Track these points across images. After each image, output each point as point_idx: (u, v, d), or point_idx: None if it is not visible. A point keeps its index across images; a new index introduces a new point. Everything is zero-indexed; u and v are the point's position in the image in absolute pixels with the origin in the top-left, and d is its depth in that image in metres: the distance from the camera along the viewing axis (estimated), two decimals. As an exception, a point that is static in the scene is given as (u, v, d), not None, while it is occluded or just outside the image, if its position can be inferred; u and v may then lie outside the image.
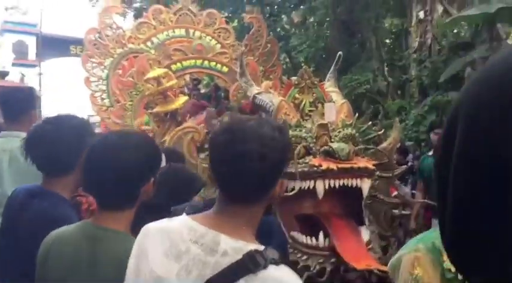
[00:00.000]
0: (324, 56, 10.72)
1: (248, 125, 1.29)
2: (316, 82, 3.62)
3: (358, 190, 3.21)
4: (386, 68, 10.43)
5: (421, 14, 9.70)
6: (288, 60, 11.87)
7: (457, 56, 9.50)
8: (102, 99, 6.57)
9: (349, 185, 3.15)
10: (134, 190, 1.59)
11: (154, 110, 5.40)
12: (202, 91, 7.34)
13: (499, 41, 8.91)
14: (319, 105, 3.57)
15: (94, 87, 6.61)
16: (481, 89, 0.56)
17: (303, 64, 11.58)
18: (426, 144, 8.90)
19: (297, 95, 3.61)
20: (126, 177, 1.55)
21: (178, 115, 5.34)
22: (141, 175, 1.60)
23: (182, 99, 5.42)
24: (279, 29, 11.30)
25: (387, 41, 11.12)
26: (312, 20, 11.39)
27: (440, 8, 9.55)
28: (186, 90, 7.11)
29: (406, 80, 10.44)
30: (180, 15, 6.94)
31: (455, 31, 9.97)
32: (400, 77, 10.72)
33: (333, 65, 4.15)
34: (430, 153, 5.30)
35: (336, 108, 3.47)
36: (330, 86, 3.90)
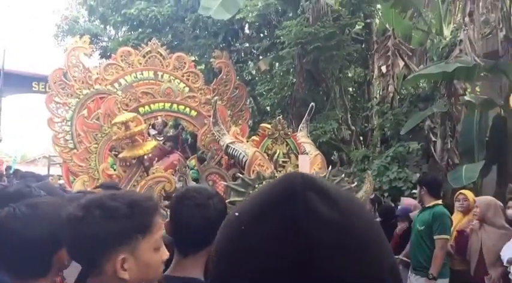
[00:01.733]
0: (289, 102, 10.82)
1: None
2: (289, 133, 3.60)
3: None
4: (349, 117, 10.60)
5: (384, 68, 9.98)
6: (253, 106, 11.93)
7: (417, 108, 9.76)
8: (66, 140, 6.36)
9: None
10: (45, 260, 1.58)
11: (121, 155, 5.25)
12: (169, 134, 7.24)
13: (457, 96, 9.23)
14: (292, 156, 3.54)
15: (57, 128, 6.41)
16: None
17: (268, 110, 11.68)
18: (389, 195, 8.98)
19: (270, 145, 3.57)
20: (34, 248, 1.54)
21: (145, 160, 5.20)
22: (48, 245, 1.57)
23: (150, 144, 5.29)
24: (245, 75, 11.39)
25: (350, 89, 11.36)
26: (278, 68, 11.55)
27: (401, 63, 9.86)
28: (151, 132, 7.00)
29: (369, 129, 10.61)
30: (149, 58, 6.90)
31: (416, 86, 10.30)
32: (363, 126, 10.90)
33: (306, 116, 4.16)
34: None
35: (309, 160, 3.43)
36: (302, 136, 3.89)
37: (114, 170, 5.62)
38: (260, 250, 0.59)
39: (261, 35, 11.95)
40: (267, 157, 3.48)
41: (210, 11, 9.36)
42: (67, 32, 15.57)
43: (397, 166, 9.54)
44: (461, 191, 6.40)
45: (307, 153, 3.53)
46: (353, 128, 10.72)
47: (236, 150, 3.62)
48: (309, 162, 3.40)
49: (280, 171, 3.39)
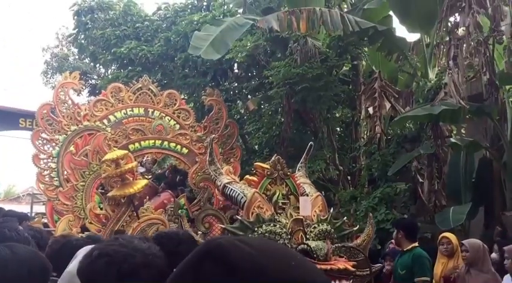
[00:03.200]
0: (277, 142, 10.68)
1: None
2: (288, 173, 3.40)
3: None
4: (337, 157, 10.47)
5: (370, 110, 9.94)
6: (242, 144, 11.77)
7: (404, 149, 9.68)
8: (51, 177, 6.05)
9: (326, 288, 2.84)
10: None
11: (111, 194, 4.96)
12: (159, 171, 6.99)
13: (443, 138, 9.19)
14: (292, 197, 3.33)
15: (43, 165, 6.11)
16: None
17: (257, 149, 11.51)
18: (376, 237, 8.76)
19: (268, 186, 3.36)
20: None
21: (135, 199, 4.92)
22: None
23: (141, 182, 5.03)
24: (234, 114, 11.27)
25: (338, 129, 11.29)
26: (266, 107, 11.48)
27: (387, 105, 9.84)
28: (140, 169, 6.74)
29: (357, 170, 10.48)
30: (140, 94, 6.72)
31: (403, 127, 10.27)
32: (350, 166, 10.76)
33: (304, 155, 3.97)
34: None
35: (310, 201, 3.23)
36: (301, 176, 3.69)
37: (101, 209, 5.32)
38: None
39: (250, 74, 11.91)
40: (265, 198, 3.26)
41: (200, 51, 9.29)
42: (56, 69, 15.41)
43: (384, 207, 9.38)
44: (444, 234, 6.26)
45: (307, 195, 3.33)
46: (341, 168, 10.58)
47: (234, 190, 3.39)
48: (310, 203, 3.20)
49: (280, 214, 3.17)
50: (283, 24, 8.64)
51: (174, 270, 0.67)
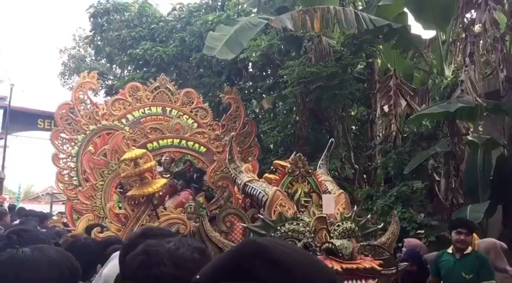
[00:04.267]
0: (292, 141, 10.56)
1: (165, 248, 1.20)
2: (310, 170, 3.30)
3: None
4: (353, 155, 10.33)
5: (386, 108, 9.80)
6: (257, 143, 11.71)
7: (420, 147, 9.52)
8: (70, 177, 6.02)
9: (353, 288, 2.74)
10: None
11: (130, 193, 4.89)
12: (176, 170, 6.93)
13: (460, 135, 9.02)
14: (314, 195, 3.24)
15: (62, 164, 6.08)
16: None
17: (272, 148, 11.41)
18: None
19: (289, 184, 3.27)
20: None
21: (154, 198, 4.86)
22: None
23: (161, 181, 4.95)
24: (249, 113, 11.18)
25: (353, 128, 11.14)
26: (281, 106, 11.37)
27: (403, 103, 9.69)
28: (157, 169, 6.68)
29: (373, 168, 10.33)
30: (158, 93, 6.66)
31: (419, 125, 10.10)
32: (366, 165, 10.62)
33: (325, 152, 3.87)
34: (449, 250, 4.74)
35: (333, 199, 3.14)
36: (322, 173, 3.59)
37: (120, 208, 5.27)
38: None
39: (264, 74, 11.83)
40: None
41: (214, 51, 9.22)
42: (73, 71, 15.47)
43: (401, 206, 9.23)
44: None
45: (329, 192, 3.24)
46: (356, 166, 10.43)
47: (255, 188, 3.30)
48: (334, 201, 3.11)
49: (302, 212, 3.08)
50: (297, 23, 8.54)
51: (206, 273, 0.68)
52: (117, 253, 1.73)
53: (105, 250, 2.48)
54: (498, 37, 7.76)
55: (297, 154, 3.60)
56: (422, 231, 8.12)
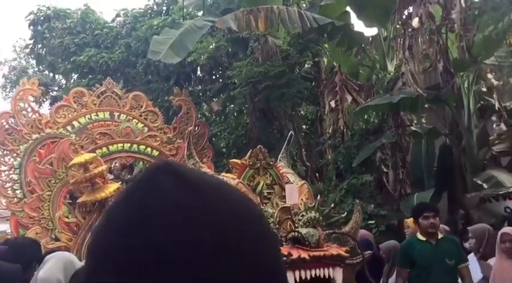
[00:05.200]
0: (244, 142, 10.42)
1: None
2: (271, 162, 3.15)
3: (326, 281, 2.66)
4: (304, 153, 10.30)
5: (333, 103, 9.86)
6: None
7: (367, 141, 9.63)
8: (14, 190, 5.54)
9: (321, 276, 2.61)
10: None
11: (80, 200, 4.54)
12: (128, 176, 6.58)
13: (404, 127, 9.19)
14: (276, 186, 3.09)
15: (4, 177, 5.60)
16: None
17: (224, 151, 11.21)
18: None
19: (251, 176, 3.10)
20: None
21: (107, 204, 4.54)
22: None
23: (113, 186, 4.62)
24: (199, 117, 10.96)
25: (304, 126, 11.13)
26: (231, 108, 11.21)
27: (349, 98, 9.78)
28: (109, 176, 6.33)
29: (324, 164, 10.35)
30: (104, 98, 6.28)
31: (365, 118, 10.23)
32: (317, 162, 10.63)
33: (285, 145, 3.73)
34: (419, 237, 4.47)
35: (297, 189, 3.00)
36: (283, 166, 3.44)
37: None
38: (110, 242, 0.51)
39: (213, 77, 11.63)
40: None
41: (160, 55, 8.94)
42: (15, 83, 14.63)
43: (351, 198, 9.29)
44: (406, 219, 6.15)
45: (291, 183, 3.10)
46: (308, 164, 10.43)
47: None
48: (297, 191, 2.97)
49: (266, 204, 2.92)
50: (242, 23, 8.42)
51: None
52: (53, 254, 1.52)
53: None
54: (434, 29, 7.95)
55: (258, 147, 3.43)
56: (373, 222, 8.19)
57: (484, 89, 8.06)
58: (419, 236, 4.34)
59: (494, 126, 8.40)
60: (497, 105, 7.79)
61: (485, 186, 7.25)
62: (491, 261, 4.51)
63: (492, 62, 7.51)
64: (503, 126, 8.05)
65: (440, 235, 4.33)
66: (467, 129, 8.10)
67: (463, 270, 4.19)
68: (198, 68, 11.53)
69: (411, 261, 4.30)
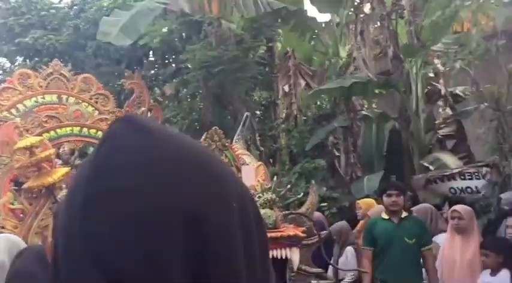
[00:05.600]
0: (198, 127, 10.28)
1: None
2: (227, 144, 3.08)
3: (283, 262, 2.64)
4: (258, 138, 10.28)
5: (286, 88, 9.88)
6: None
7: (320, 125, 9.74)
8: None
9: (278, 257, 2.58)
10: None
11: (26, 185, 4.28)
12: (78, 162, 6.31)
13: (355, 111, 9.34)
14: (232, 168, 3.02)
15: None
16: None
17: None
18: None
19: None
20: None
21: (55, 189, 4.32)
22: None
23: (62, 170, 4.38)
24: (152, 101, 10.67)
25: (257, 112, 11.10)
26: (184, 92, 11.00)
27: (302, 83, 9.83)
28: (57, 162, 6.05)
29: (277, 149, 10.40)
30: (51, 80, 5.93)
31: (318, 104, 10.31)
32: (271, 146, 10.66)
33: (240, 126, 3.67)
34: (383, 215, 4.42)
35: (253, 170, 2.95)
36: (239, 148, 3.38)
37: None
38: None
39: (166, 61, 11.35)
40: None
41: (110, 37, 8.63)
42: (-43, 68, 13.74)
43: (304, 181, 9.42)
44: (358, 201, 6.31)
45: (248, 165, 3.05)
46: (261, 148, 10.44)
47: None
48: (253, 172, 2.92)
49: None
50: (195, 5, 8.24)
51: None
52: None
53: None
54: (385, 15, 8.06)
55: (214, 128, 3.34)
56: (325, 204, 8.33)
57: (432, 75, 8.27)
58: (384, 215, 4.34)
59: (440, 110, 8.65)
60: (443, 91, 8.03)
61: (431, 168, 7.49)
62: (436, 239, 4.66)
63: (439, 48, 7.71)
64: (448, 111, 8.31)
65: (404, 215, 4.29)
66: (415, 113, 8.30)
67: (425, 253, 4.16)
68: (151, 52, 11.22)
69: (373, 240, 4.29)
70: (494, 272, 4.05)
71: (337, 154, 9.65)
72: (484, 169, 6.50)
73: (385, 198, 4.32)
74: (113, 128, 0.54)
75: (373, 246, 4.28)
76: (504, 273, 3.98)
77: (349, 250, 5.11)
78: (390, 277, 4.16)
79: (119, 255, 0.46)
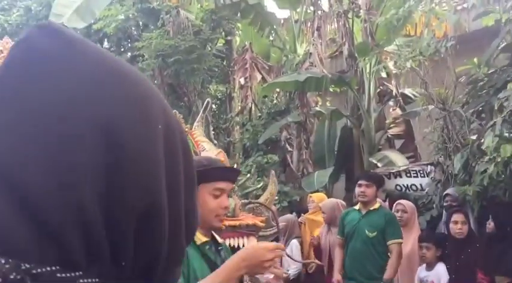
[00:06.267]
0: (151, 117, 10.00)
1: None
2: (186, 129, 2.96)
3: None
4: (212, 131, 10.14)
5: (242, 80, 9.79)
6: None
7: (274, 120, 9.72)
8: None
9: (235, 245, 2.50)
10: None
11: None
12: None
13: (309, 107, 9.36)
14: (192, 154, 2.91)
15: None
16: None
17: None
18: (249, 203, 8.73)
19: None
20: None
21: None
22: None
23: None
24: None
25: (213, 106, 10.94)
26: (139, 81, 10.66)
27: (259, 76, 9.76)
28: None
29: (230, 142, 10.29)
30: (1, 59, 5.59)
31: (273, 99, 10.28)
32: (224, 139, 10.54)
33: (201, 113, 3.54)
34: (356, 206, 4.45)
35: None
36: (199, 134, 3.26)
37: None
38: None
39: (122, 49, 10.95)
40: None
41: (62, 18, 8.23)
42: None
43: (256, 175, 9.38)
44: (310, 194, 6.37)
45: (207, 151, 2.94)
46: (215, 142, 10.30)
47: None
48: (213, 160, 2.82)
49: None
50: (153, -9, 8.01)
51: None
52: None
53: None
54: (341, 13, 8.12)
55: (173, 111, 3.19)
56: (276, 198, 8.33)
57: (384, 75, 8.41)
58: (357, 206, 4.37)
59: (390, 110, 8.83)
60: (394, 91, 8.19)
61: (379, 165, 7.62)
62: None
63: (392, 49, 7.85)
64: (398, 111, 8.49)
65: (375, 207, 4.24)
66: (366, 112, 8.41)
67: (391, 247, 4.13)
68: (106, 40, 10.79)
69: (343, 229, 4.33)
70: (430, 267, 4.15)
71: (289, 149, 9.65)
72: (429, 168, 6.68)
73: (356, 188, 4.33)
74: (29, 32, 0.48)
75: (344, 235, 4.34)
76: (440, 266, 4.09)
77: (294, 243, 5.13)
78: (349, 267, 4.22)
79: (24, 167, 0.42)
